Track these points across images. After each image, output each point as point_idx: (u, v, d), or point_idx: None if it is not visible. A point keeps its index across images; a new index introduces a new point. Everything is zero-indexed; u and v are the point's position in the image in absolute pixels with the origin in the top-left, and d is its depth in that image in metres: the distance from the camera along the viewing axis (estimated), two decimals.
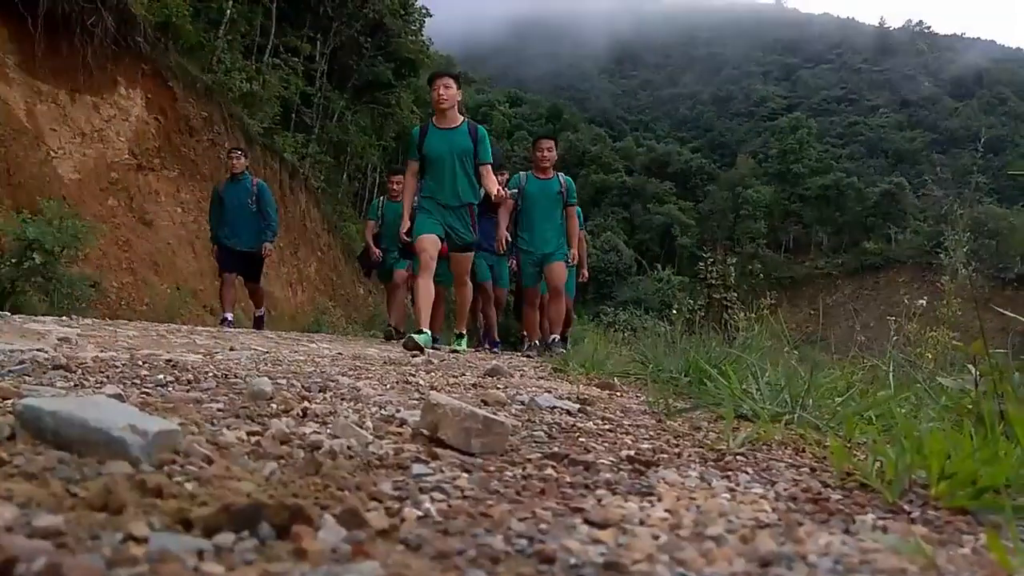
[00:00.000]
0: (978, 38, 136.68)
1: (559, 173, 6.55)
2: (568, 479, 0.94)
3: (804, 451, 1.29)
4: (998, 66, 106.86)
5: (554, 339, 6.19)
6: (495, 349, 7.12)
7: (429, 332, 5.08)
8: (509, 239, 6.43)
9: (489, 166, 5.50)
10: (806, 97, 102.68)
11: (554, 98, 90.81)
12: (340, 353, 3.33)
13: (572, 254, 6.32)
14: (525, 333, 6.98)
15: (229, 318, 7.37)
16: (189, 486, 0.70)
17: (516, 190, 6.42)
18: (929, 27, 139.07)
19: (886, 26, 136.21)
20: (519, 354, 6.35)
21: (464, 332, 5.70)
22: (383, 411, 1.36)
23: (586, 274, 7.89)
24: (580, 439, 1.29)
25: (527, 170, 6.80)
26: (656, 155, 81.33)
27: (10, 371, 1.43)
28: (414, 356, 3.32)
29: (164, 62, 11.46)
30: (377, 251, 7.82)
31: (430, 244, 5.19)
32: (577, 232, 6.47)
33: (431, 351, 4.48)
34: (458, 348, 5.29)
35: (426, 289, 5.16)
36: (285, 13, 18.41)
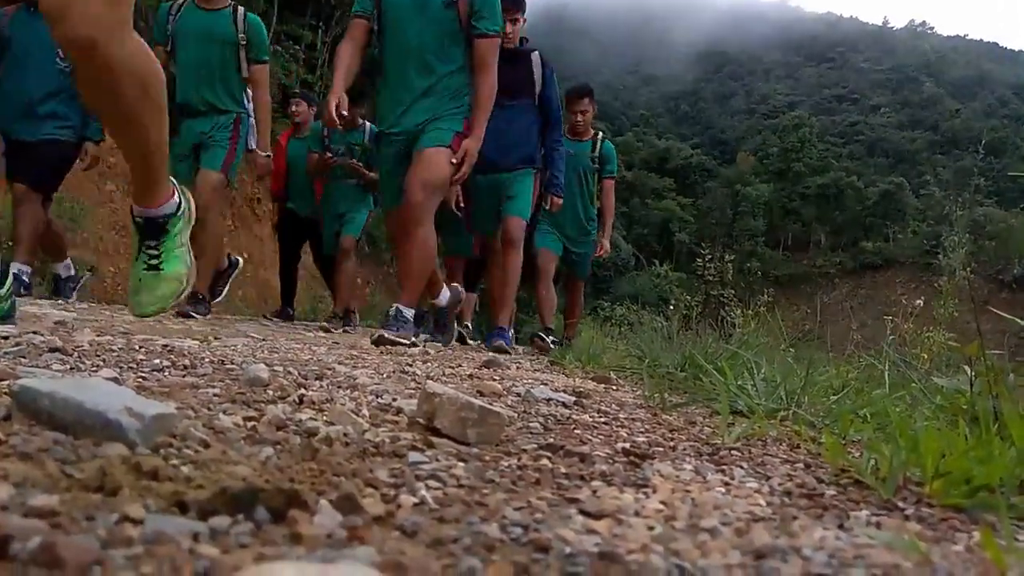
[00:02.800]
0: (981, 40, 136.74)
1: None
2: (564, 470, 0.94)
3: (799, 447, 1.30)
4: (1000, 68, 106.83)
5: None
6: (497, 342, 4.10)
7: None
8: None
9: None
10: (807, 95, 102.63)
11: None
12: (336, 342, 3.33)
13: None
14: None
15: (18, 273, 4.04)
16: (185, 469, 0.70)
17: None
18: (932, 27, 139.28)
19: (889, 26, 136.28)
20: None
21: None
22: (379, 399, 1.36)
23: (606, 246, 5.64)
24: (576, 431, 1.29)
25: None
26: (656, 151, 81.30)
27: (6, 353, 1.43)
28: (411, 346, 3.28)
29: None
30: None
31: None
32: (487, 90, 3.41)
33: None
34: None
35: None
36: (287, 1, 18.34)
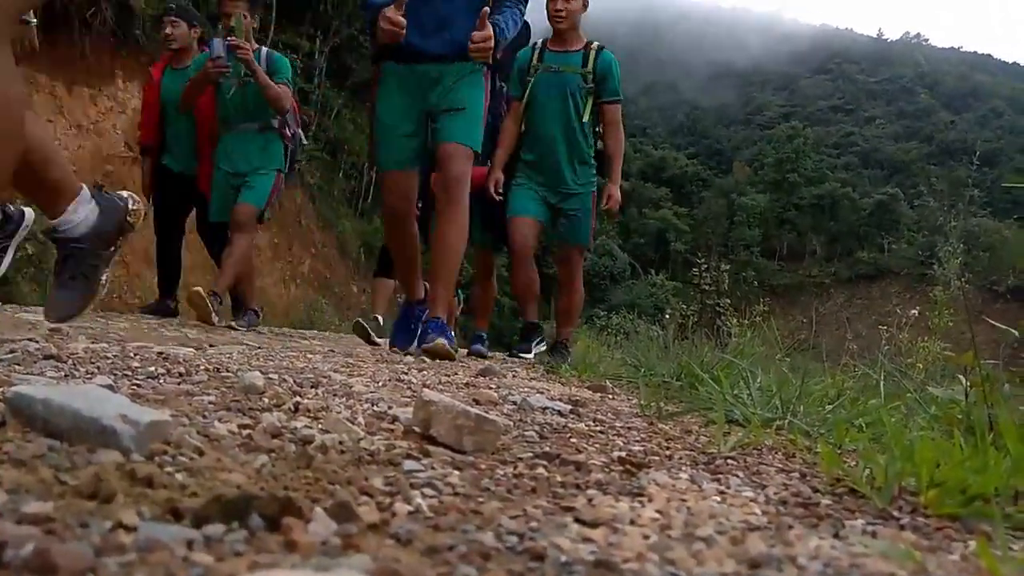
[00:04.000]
0: (975, 52, 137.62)
1: None
2: (559, 478, 0.94)
3: (794, 456, 1.30)
4: (994, 80, 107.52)
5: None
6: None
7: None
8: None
9: None
10: (803, 106, 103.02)
11: None
12: (332, 350, 3.32)
13: None
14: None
15: None
16: (179, 477, 0.70)
17: None
18: (927, 39, 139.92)
19: (884, 37, 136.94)
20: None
21: None
22: (375, 408, 1.36)
23: (615, 194, 3.94)
24: (571, 440, 1.29)
25: None
26: (652, 160, 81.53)
27: (0, 360, 1.42)
28: (407, 355, 3.28)
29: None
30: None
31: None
32: None
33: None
34: None
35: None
36: (285, 10, 18.38)
